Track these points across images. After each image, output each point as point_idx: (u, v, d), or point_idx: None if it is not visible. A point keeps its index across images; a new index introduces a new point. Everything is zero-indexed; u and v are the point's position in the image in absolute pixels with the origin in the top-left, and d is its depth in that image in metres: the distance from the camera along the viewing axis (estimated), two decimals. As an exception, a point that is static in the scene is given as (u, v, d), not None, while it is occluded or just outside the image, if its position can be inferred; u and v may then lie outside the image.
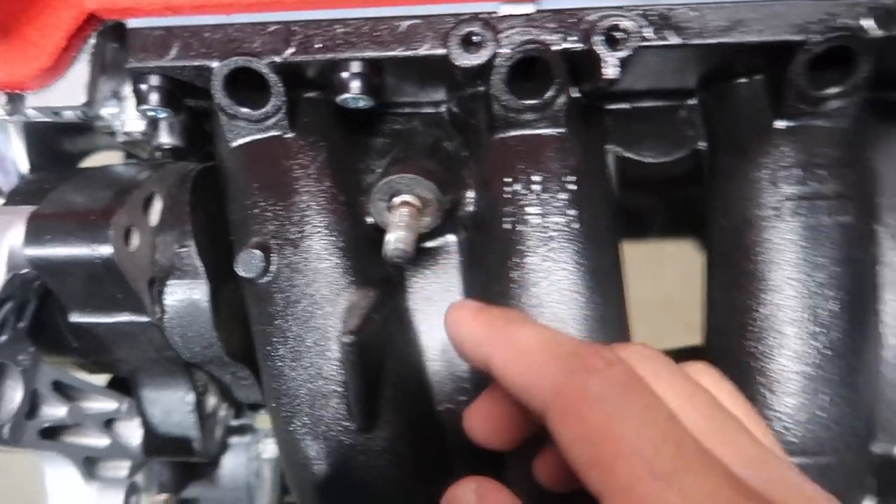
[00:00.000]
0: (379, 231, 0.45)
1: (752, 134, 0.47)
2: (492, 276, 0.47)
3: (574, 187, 0.46)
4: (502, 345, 0.32)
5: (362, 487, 0.45)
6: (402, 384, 0.47)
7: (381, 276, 0.47)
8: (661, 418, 0.27)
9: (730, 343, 0.46)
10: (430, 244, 0.50)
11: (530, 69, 0.44)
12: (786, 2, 0.43)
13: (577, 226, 0.45)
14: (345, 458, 0.44)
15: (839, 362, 0.44)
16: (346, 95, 0.45)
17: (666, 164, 0.51)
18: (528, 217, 0.45)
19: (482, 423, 0.37)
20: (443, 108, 0.52)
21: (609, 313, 0.46)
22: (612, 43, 0.42)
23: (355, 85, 0.44)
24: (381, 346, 0.45)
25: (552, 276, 0.45)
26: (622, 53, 0.42)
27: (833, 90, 0.44)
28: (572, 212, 0.45)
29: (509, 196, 0.46)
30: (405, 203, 0.43)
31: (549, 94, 0.44)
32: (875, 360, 0.47)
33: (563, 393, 0.28)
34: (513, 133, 0.46)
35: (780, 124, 0.46)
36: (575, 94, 0.47)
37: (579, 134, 0.47)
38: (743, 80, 0.47)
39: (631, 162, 0.51)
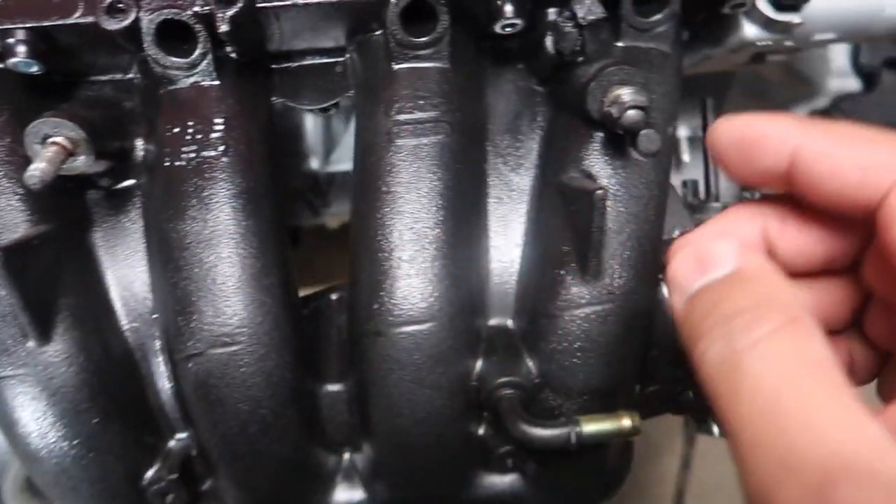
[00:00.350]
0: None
1: (377, 76, 0.57)
2: (160, 212, 0.54)
3: (222, 128, 0.54)
4: (821, 132, 0.29)
5: (43, 397, 0.51)
6: (80, 309, 0.54)
7: (58, 215, 0.54)
8: None
9: (364, 240, 0.54)
10: (117, 187, 0.58)
11: (177, 31, 0.53)
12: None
13: (226, 159, 0.54)
14: (24, 369, 0.51)
15: (446, 252, 0.53)
16: (14, 60, 0.52)
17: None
18: (184, 154, 0.54)
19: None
20: (131, 74, 0.60)
21: (270, 234, 0.54)
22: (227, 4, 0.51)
23: (21, 50, 0.52)
24: (51, 269, 0.52)
25: (209, 206, 0.53)
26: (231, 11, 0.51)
27: (424, 39, 0.54)
28: (221, 147, 0.54)
29: (170, 137, 0.54)
30: (53, 143, 0.50)
31: (196, 53, 0.53)
32: (482, 253, 0.57)
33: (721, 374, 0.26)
34: (171, 88, 0.55)
35: (395, 67, 0.56)
36: (231, 53, 0.56)
37: (234, 86, 0.56)
38: (374, 34, 0.57)
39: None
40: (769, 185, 0.33)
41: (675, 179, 0.92)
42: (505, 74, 0.61)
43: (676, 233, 0.61)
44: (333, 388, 0.58)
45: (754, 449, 0.25)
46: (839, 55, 0.98)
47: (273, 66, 0.60)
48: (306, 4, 0.53)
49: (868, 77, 0.95)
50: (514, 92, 0.61)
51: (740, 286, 0.29)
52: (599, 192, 0.49)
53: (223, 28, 0.50)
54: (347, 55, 0.60)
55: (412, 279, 0.52)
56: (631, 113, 0.48)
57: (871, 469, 0.23)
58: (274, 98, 0.60)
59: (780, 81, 0.93)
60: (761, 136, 0.32)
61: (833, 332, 0.36)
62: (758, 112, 0.33)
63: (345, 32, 0.58)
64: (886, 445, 0.24)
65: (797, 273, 0.35)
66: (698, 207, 0.68)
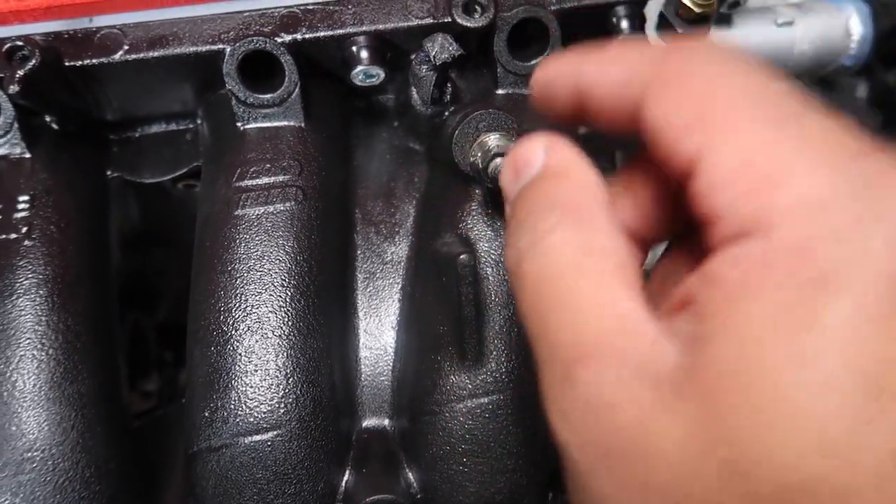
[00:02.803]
0: None
1: (223, 139, 0.49)
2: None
3: (27, 206, 0.46)
4: (594, 57, 0.29)
5: None
6: None
7: None
8: (774, 79, 0.24)
9: (197, 332, 0.45)
10: None
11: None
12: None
13: (28, 243, 0.45)
14: None
15: (294, 342, 0.44)
16: None
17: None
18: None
19: None
20: None
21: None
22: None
23: None
24: None
25: (4, 297, 0.44)
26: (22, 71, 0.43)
27: (269, 95, 0.47)
28: (24, 229, 0.45)
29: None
30: None
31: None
32: (349, 339, 0.48)
33: (664, 66, 0.26)
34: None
35: (241, 128, 0.48)
36: (51, 123, 0.48)
37: (50, 159, 0.48)
38: (221, 91, 0.50)
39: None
40: (573, 119, 0.31)
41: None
42: (378, 133, 0.54)
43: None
44: (172, 518, 0.46)
45: (535, 344, 0.26)
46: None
47: (112, 136, 0.53)
48: (124, 62, 0.46)
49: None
50: (388, 152, 0.53)
51: (537, 186, 0.29)
52: (464, 257, 0.40)
53: (12, 89, 0.42)
54: (199, 120, 0.53)
55: (250, 377, 0.42)
56: (498, 161, 0.40)
57: (616, 349, 0.23)
58: (109, 172, 0.52)
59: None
60: (549, 77, 0.32)
61: None
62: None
63: (193, 93, 0.51)
64: (637, 323, 0.23)
65: None
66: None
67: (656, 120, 0.25)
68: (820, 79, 0.88)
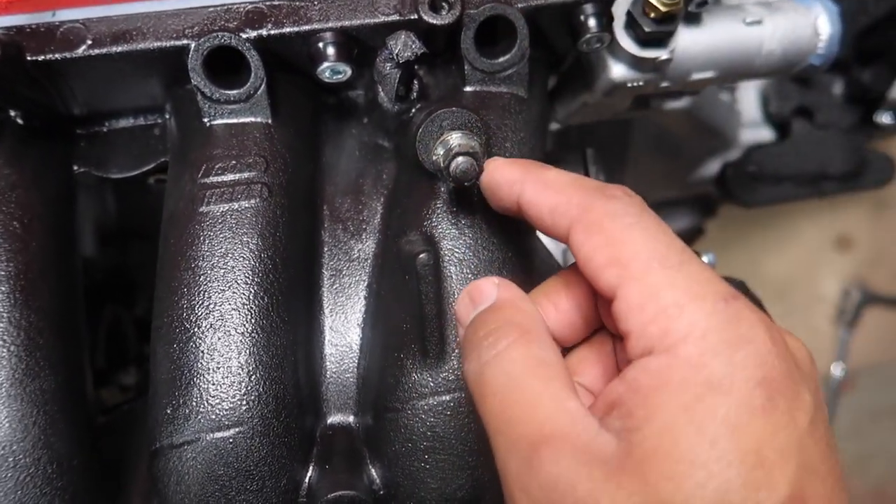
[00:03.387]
0: None
1: (189, 135, 0.49)
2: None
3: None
4: (535, 179, 0.37)
5: None
6: None
7: None
8: (669, 232, 0.33)
9: (160, 328, 0.45)
10: None
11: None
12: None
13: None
14: None
15: (258, 339, 0.44)
16: None
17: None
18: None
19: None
20: None
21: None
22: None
23: None
24: None
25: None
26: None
27: (236, 91, 0.47)
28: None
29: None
30: None
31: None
32: (314, 337, 0.48)
33: (589, 210, 0.34)
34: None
35: (208, 124, 0.48)
36: (15, 117, 0.48)
37: (13, 154, 0.47)
38: (188, 87, 0.50)
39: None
40: (515, 214, 0.40)
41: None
42: (348, 130, 0.54)
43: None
44: (136, 514, 0.46)
45: (495, 437, 0.33)
46: (750, 106, 0.94)
47: (80, 130, 0.53)
48: (87, 57, 0.45)
49: (780, 126, 0.90)
50: (357, 149, 0.53)
51: (494, 313, 0.36)
52: (423, 256, 0.40)
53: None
54: (167, 114, 0.53)
55: (212, 374, 0.42)
56: (459, 160, 0.40)
57: (567, 435, 0.30)
58: (76, 168, 0.52)
59: (689, 135, 0.88)
60: (497, 182, 0.40)
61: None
62: (557, 162, 0.41)
63: (161, 87, 0.51)
64: (582, 417, 0.31)
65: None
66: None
67: (581, 254, 0.34)
68: (797, 76, 0.89)
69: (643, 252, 0.32)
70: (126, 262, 0.94)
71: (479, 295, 0.37)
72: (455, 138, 0.41)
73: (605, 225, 0.33)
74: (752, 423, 0.28)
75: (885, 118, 0.94)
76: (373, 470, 0.46)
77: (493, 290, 0.37)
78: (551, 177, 0.37)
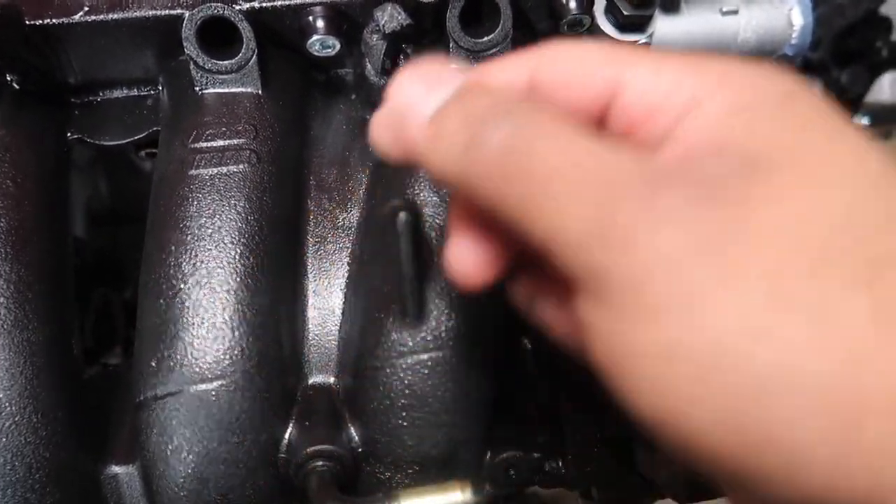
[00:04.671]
0: None
1: (182, 104, 0.50)
2: None
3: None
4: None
5: None
6: None
7: None
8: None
9: (147, 284, 0.46)
10: None
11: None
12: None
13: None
14: None
15: (242, 297, 0.45)
16: None
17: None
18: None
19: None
20: None
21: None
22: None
23: None
24: None
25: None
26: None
27: (228, 62, 0.48)
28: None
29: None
30: None
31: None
32: (297, 299, 0.49)
33: (469, 177, 0.26)
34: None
35: (200, 93, 0.49)
36: (12, 82, 0.49)
37: (10, 118, 0.49)
38: (181, 58, 0.51)
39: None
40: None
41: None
42: (336, 105, 0.55)
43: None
44: (119, 469, 0.47)
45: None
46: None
47: (74, 99, 0.54)
48: (84, 24, 0.47)
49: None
50: (344, 123, 0.55)
51: (479, 93, 0.28)
52: (403, 214, 0.42)
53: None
54: (160, 86, 0.54)
55: (197, 328, 0.44)
56: (441, 126, 0.42)
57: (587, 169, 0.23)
58: (70, 134, 0.53)
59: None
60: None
61: None
62: None
63: (154, 59, 0.53)
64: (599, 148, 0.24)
65: None
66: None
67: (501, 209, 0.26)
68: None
69: (550, 184, 0.24)
70: (117, 246, 0.95)
71: (437, 80, 0.29)
72: (437, 106, 0.43)
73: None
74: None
75: (862, 121, 0.96)
76: (352, 428, 0.47)
77: (455, 75, 0.29)
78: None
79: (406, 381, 0.45)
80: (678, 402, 0.22)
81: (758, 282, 0.21)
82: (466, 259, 0.30)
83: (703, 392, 0.21)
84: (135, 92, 0.55)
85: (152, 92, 0.55)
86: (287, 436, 0.46)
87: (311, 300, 0.49)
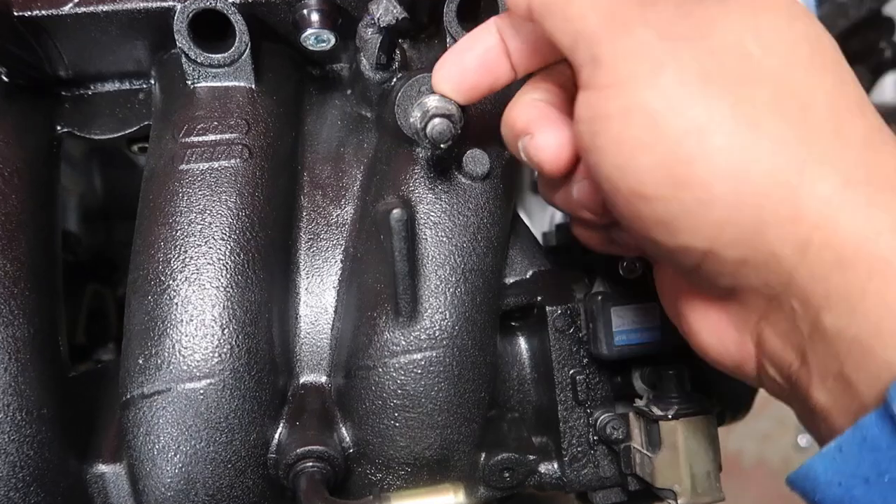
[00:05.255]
0: None
1: (173, 97, 0.49)
2: None
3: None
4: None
5: None
6: None
7: None
8: None
9: (135, 281, 0.45)
10: None
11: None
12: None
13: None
14: None
15: (232, 294, 0.44)
16: None
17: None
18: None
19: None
20: None
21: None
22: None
23: None
24: None
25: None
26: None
27: (220, 55, 0.47)
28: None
29: None
30: None
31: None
32: (289, 296, 0.48)
33: None
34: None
35: (191, 86, 0.49)
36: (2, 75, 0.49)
37: (-3, 109, 0.48)
38: (173, 51, 0.50)
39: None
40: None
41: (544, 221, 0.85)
42: (331, 101, 0.54)
43: (531, 272, 0.53)
44: (106, 468, 0.47)
45: None
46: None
47: (64, 92, 0.53)
48: (74, 16, 0.46)
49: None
50: (339, 118, 0.54)
51: None
52: (396, 211, 0.41)
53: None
54: (152, 80, 0.53)
55: (186, 326, 0.43)
56: (436, 122, 0.41)
57: None
58: (59, 128, 0.52)
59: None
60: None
61: None
62: None
63: (146, 52, 0.52)
64: None
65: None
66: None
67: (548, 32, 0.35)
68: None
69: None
70: (110, 242, 0.94)
71: None
72: (432, 101, 0.42)
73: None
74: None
75: (864, 121, 0.96)
76: (343, 429, 0.46)
77: None
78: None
79: (399, 381, 0.44)
80: (632, 150, 0.30)
81: (694, 72, 0.30)
82: (551, 142, 0.37)
83: (649, 140, 0.30)
84: (126, 85, 0.54)
85: (144, 85, 0.54)
86: (277, 436, 0.45)
87: (303, 298, 0.49)
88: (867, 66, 0.91)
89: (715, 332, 0.35)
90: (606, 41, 0.31)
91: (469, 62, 0.40)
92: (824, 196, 0.28)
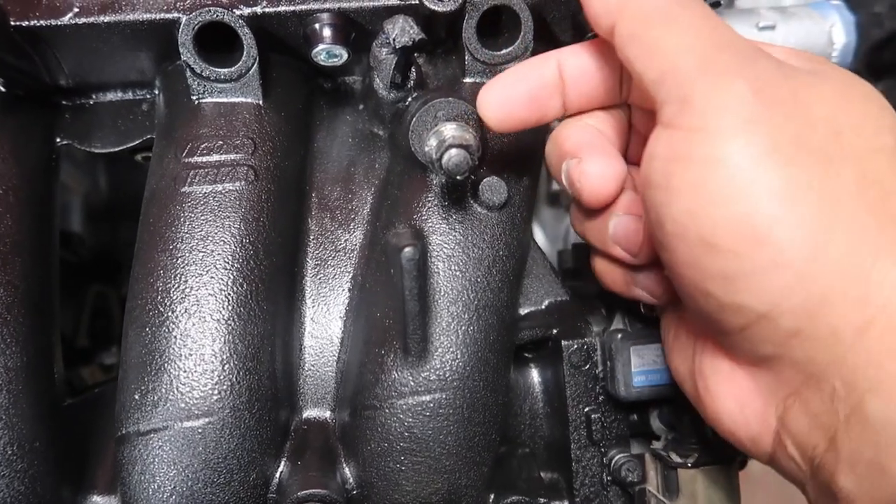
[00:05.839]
0: None
1: (177, 112, 0.47)
2: None
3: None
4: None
5: None
6: None
7: None
8: (710, 24, 0.32)
9: (133, 311, 0.43)
10: None
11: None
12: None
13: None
14: None
15: (233, 327, 0.42)
16: None
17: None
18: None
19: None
20: None
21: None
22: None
23: None
24: None
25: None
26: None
27: (227, 70, 0.45)
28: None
29: None
30: None
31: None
32: (293, 327, 0.46)
33: (626, 10, 0.33)
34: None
35: (196, 102, 0.46)
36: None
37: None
38: (178, 63, 0.48)
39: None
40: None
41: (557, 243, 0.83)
42: (342, 116, 0.52)
43: (546, 302, 0.51)
44: (101, 500, 0.45)
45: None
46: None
47: (64, 102, 0.51)
48: (74, 26, 0.44)
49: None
50: (350, 136, 0.51)
51: None
52: (408, 250, 0.39)
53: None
54: (156, 90, 0.51)
55: (184, 361, 0.41)
56: (452, 153, 0.39)
57: None
58: (59, 140, 0.50)
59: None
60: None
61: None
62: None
63: (151, 62, 0.49)
64: None
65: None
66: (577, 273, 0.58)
67: (628, 61, 0.34)
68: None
69: (680, 54, 0.31)
70: (115, 242, 0.92)
71: None
72: (449, 129, 0.40)
73: (638, 32, 0.33)
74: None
75: (894, 135, 0.92)
76: (347, 468, 0.44)
77: None
78: None
79: (406, 424, 0.42)
80: (711, 199, 0.30)
81: (787, 137, 0.29)
82: (598, 171, 0.37)
83: (730, 193, 0.29)
84: (129, 95, 0.52)
85: (148, 96, 0.52)
86: (278, 474, 0.43)
87: (308, 328, 0.47)
88: (900, 79, 0.88)
89: (737, 398, 0.34)
90: (700, 86, 0.30)
91: (520, 92, 0.38)
92: (894, 283, 0.27)
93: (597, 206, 0.38)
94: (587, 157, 0.37)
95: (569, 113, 0.40)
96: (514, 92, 0.38)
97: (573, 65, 0.38)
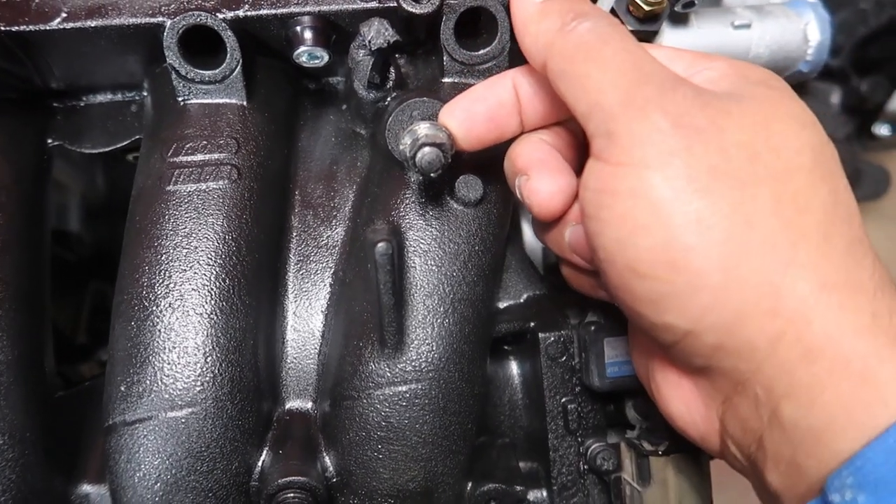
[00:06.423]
0: None
1: (163, 113, 0.49)
2: None
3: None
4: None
5: None
6: None
7: None
8: (631, 59, 0.34)
9: (119, 305, 0.45)
10: None
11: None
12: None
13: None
14: None
15: (216, 320, 0.43)
16: None
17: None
18: None
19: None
20: None
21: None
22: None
23: None
24: None
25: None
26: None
27: (210, 71, 0.46)
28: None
29: None
30: None
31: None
32: (275, 321, 0.48)
33: (554, 48, 0.36)
34: None
35: (182, 103, 0.48)
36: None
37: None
38: (165, 65, 0.49)
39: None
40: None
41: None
42: (326, 116, 0.53)
43: (525, 296, 0.52)
44: (91, 489, 0.46)
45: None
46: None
47: (56, 104, 0.52)
48: (62, 31, 0.45)
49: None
50: (333, 135, 0.53)
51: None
52: (381, 245, 0.40)
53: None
54: (145, 92, 0.52)
55: (168, 353, 0.42)
56: (425, 150, 0.40)
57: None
58: (50, 141, 0.52)
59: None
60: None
61: None
62: None
63: (139, 64, 0.51)
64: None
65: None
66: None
67: (561, 93, 0.36)
68: (791, 84, 0.87)
69: (606, 88, 0.33)
70: (113, 240, 0.94)
71: None
72: (423, 128, 0.41)
73: (565, 66, 0.35)
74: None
75: (882, 130, 0.93)
76: (327, 457, 0.45)
77: None
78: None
79: (383, 413, 0.43)
80: (634, 229, 0.31)
81: (703, 166, 0.31)
82: (545, 188, 0.38)
83: (651, 223, 0.31)
84: (119, 97, 0.53)
85: (137, 97, 0.53)
86: (260, 463, 0.45)
87: (290, 322, 0.48)
88: (886, 74, 0.88)
89: (684, 402, 0.36)
90: (623, 121, 0.32)
91: (479, 113, 0.40)
92: (802, 295, 0.29)
93: (548, 220, 0.40)
94: (535, 175, 0.39)
95: (527, 129, 0.41)
96: (473, 113, 0.40)
97: (527, 84, 0.40)
